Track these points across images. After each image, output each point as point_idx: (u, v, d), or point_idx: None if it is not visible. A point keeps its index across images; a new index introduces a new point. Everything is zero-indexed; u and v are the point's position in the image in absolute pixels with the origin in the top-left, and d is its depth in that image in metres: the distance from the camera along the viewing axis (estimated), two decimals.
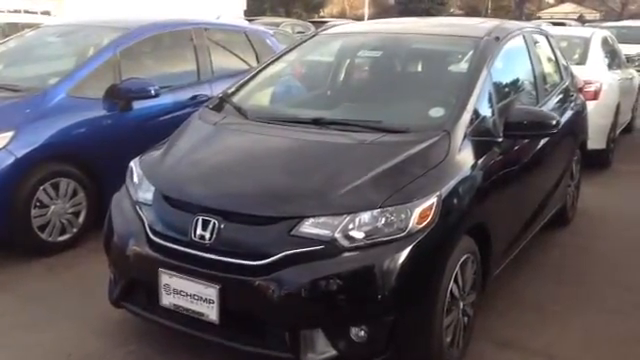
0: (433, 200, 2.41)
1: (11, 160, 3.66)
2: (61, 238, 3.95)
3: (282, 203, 2.43)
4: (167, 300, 2.51)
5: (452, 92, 3.03)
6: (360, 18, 32.09)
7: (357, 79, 3.96)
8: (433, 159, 2.60)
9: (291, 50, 3.90)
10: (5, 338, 2.94)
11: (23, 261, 3.77)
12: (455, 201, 2.55)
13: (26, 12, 25.72)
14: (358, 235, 2.31)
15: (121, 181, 3.03)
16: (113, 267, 2.85)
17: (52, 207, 3.86)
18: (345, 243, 2.30)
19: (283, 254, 2.29)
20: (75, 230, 4.02)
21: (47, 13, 29.00)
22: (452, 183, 2.55)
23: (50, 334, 2.98)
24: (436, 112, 2.92)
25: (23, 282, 3.54)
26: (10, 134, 3.68)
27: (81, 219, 4.05)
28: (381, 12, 38.93)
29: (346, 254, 2.29)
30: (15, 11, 26.05)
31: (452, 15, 37.51)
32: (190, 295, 2.43)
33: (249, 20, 19.01)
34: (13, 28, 5.98)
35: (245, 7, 25.57)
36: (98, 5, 27.25)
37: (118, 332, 2.98)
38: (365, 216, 2.33)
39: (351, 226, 2.31)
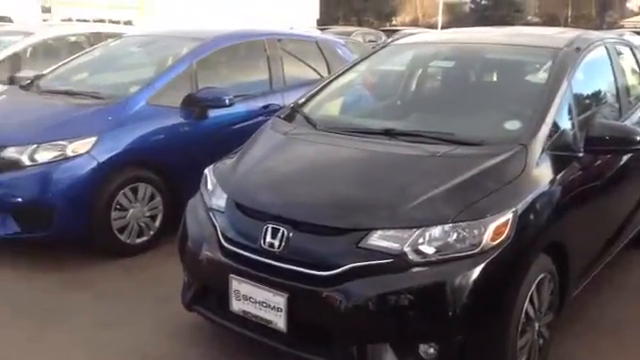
0: (508, 216, 2.33)
1: (94, 164, 3.84)
2: (138, 240, 4.11)
3: (351, 214, 2.42)
4: (237, 306, 2.55)
5: (529, 104, 2.93)
6: (433, 26, 31.75)
7: (429, 90, 3.91)
8: (509, 173, 2.52)
9: (362, 60, 3.90)
10: (83, 336, 3.08)
11: (102, 261, 3.94)
12: (532, 218, 2.46)
13: (110, 22, 27.11)
14: (428, 250, 2.27)
15: (195, 187, 3.12)
16: (187, 271, 2.93)
17: (131, 210, 4.02)
18: (414, 257, 2.26)
19: (351, 266, 2.28)
20: (152, 233, 4.17)
21: (129, 23, 30.43)
22: (529, 199, 2.46)
23: (125, 333, 3.10)
24: (512, 125, 2.84)
25: (101, 282, 3.70)
26: (93, 140, 3.86)
27: (157, 223, 4.19)
28: (455, 20, 38.35)
29: (415, 269, 2.25)
30: (100, 21, 27.52)
31: (529, 23, 36.43)
32: (259, 302, 2.47)
33: (321, 29, 19.25)
34: (97, 38, 6.26)
35: (318, 16, 25.95)
36: (176, 15, 28.37)
37: (190, 334, 3.06)
38: (436, 231, 2.29)
39: (421, 240, 2.28)
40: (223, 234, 2.66)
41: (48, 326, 3.16)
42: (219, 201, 2.81)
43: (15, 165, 3.78)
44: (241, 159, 3.01)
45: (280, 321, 2.41)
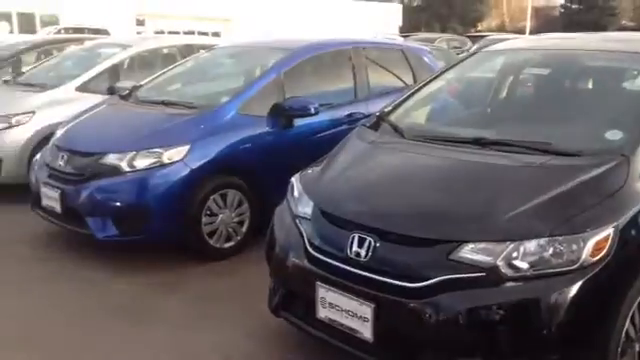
0: (609, 231, 2.22)
1: (187, 171, 4.00)
2: (226, 245, 4.23)
3: (440, 225, 2.38)
4: (323, 313, 2.57)
5: (631, 113, 2.78)
6: (521, 31, 30.74)
7: (521, 97, 3.79)
8: (609, 186, 2.39)
9: (451, 68, 3.83)
10: (174, 337, 3.20)
11: (192, 265, 4.08)
12: (634, 233, 2.32)
13: (199, 33, 28.16)
14: (522, 265, 2.19)
15: (281, 194, 3.17)
16: (273, 277, 2.98)
17: (220, 216, 4.15)
18: (508, 272, 2.19)
19: (440, 278, 2.24)
20: (239, 238, 4.29)
21: (217, 34, 31.52)
22: (630, 213, 2.32)
23: (214, 335, 3.19)
24: (613, 135, 2.69)
25: (191, 284, 3.83)
26: (187, 148, 4.03)
27: (244, 228, 4.31)
28: (544, 25, 36.90)
29: (509, 284, 2.18)
30: (189, 32, 28.66)
31: (624, 28, 34.46)
32: (345, 311, 2.47)
33: (404, 36, 19.12)
34: (189, 49, 6.53)
35: (400, 23, 25.81)
36: (262, 26, 29.07)
37: (276, 339, 3.12)
38: (531, 245, 2.21)
39: (515, 254, 2.20)
40: (309, 241, 2.69)
41: (141, 327, 3.30)
42: (305, 209, 2.84)
43: (115, 171, 4.00)
44: (327, 167, 3.04)
45: (366, 331, 2.40)
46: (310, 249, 2.66)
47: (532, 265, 2.19)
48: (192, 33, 28.57)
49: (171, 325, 3.31)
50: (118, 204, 3.97)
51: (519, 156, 2.64)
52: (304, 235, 2.73)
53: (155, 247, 4.21)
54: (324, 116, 4.58)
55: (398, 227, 2.43)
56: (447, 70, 3.82)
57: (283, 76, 4.53)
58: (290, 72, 4.61)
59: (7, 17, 27.08)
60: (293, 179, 3.13)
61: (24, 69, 7.06)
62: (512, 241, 2.21)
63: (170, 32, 29.70)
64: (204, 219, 4.07)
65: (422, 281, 2.27)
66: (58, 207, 4.16)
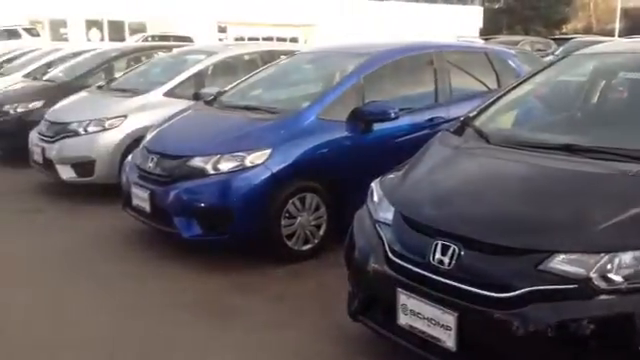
0: None
1: (267, 175, 4.08)
2: (304, 248, 4.28)
3: (529, 235, 2.30)
4: (404, 320, 2.55)
5: None
6: (609, 33, 29.27)
7: (616, 103, 3.60)
8: None
9: (539, 72, 3.70)
10: (253, 336, 3.27)
11: (271, 266, 4.15)
12: None
13: (278, 39, 28.71)
14: (617, 277, 2.08)
15: (359, 199, 3.18)
16: (352, 281, 2.98)
17: (299, 219, 4.20)
18: (601, 285, 2.09)
19: (529, 289, 2.17)
20: (316, 241, 4.33)
21: (295, 40, 32.01)
22: None
23: (292, 336, 3.24)
24: None
25: (270, 285, 3.90)
26: (268, 152, 4.12)
27: (322, 231, 4.34)
28: (634, 26, 34.93)
29: (602, 297, 2.08)
30: (268, 38, 29.25)
31: None
32: (427, 318, 2.44)
33: (485, 39, 18.68)
34: (270, 55, 6.66)
35: (481, 25, 25.21)
36: (340, 30, 29.24)
37: (353, 343, 3.12)
38: (626, 257, 2.09)
39: (609, 267, 2.10)
40: (390, 247, 2.67)
41: (224, 325, 3.40)
42: (386, 214, 2.83)
43: (200, 173, 4.15)
44: (409, 172, 3.01)
45: (449, 340, 2.36)
46: (391, 255, 2.64)
47: (627, 278, 2.08)
48: (271, 39, 29.23)
49: (252, 325, 3.38)
50: (202, 205, 4.11)
51: (613, 164, 2.51)
52: (384, 240, 2.71)
53: (236, 247, 4.32)
54: (404, 121, 4.54)
55: (484, 235, 2.38)
56: (536, 74, 3.69)
57: (363, 81, 4.54)
58: (370, 77, 4.61)
59: (99, 25, 28.69)
60: (373, 184, 3.13)
61: (116, 75, 7.44)
62: (606, 253, 2.11)
63: (250, 38, 30.54)
64: (283, 221, 4.14)
65: (509, 291, 2.21)
66: (147, 207, 4.36)
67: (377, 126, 4.43)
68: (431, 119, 4.70)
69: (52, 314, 3.54)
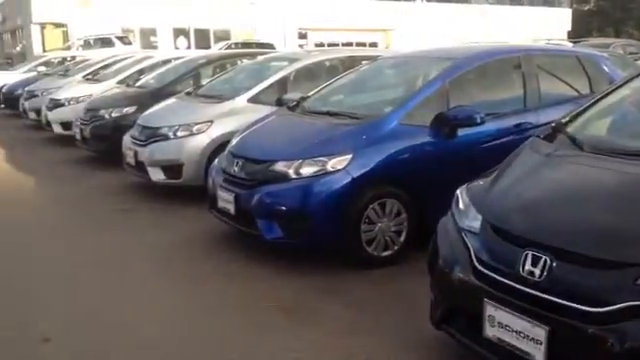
0: None
1: (348, 180, 4.10)
2: (384, 254, 4.25)
3: (626, 247, 2.18)
4: (491, 332, 2.48)
5: None
6: None
7: None
8: None
9: (637, 77, 3.50)
10: (333, 340, 3.27)
11: (349, 271, 4.16)
12: None
13: (357, 44, 28.76)
14: None
15: (441, 206, 3.13)
16: (435, 289, 2.94)
17: (379, 224, 4.19)
18: None
19: (627, 304, 2.05)
20: (396, 248, 4.29)
21: (374, 45, 31.98)
22: None
23: (372, 341, 3.22)
24: None
25: (349, 290, 3.91)
26: (349, 157, 4.13)
27: (402, 238, 4.30)
28: None
29: None
30: (348, 44, 29.36)
31: None
32: (516, 331, 2.36)
33: (574, 42, 17.88)
34: (352, 61, 6.69)
35: (569, 28, 24.19)
36: (421, 36, 28.93)
37: (435, 351, 3.07)
38: None
39: None
40: (476, 256, 2.61)
41: (305, 328, 3.43)
42: (472, 222, 2.76)
43: (283, 177, 4.23)
44: (497, 180, 2.93)
45: (539, 354, 2.27)
46: (477, 264, 2.58)
47: None
48: (350, 44, 29.34)
49: (332, 329, 3.39)
50: (284, 208, 4.18)
51: None
52: (470, 249, 2.65)
53: (317, 251, 4.37)
54: (490, 126, 4.43)
55: (578, 247, 2.27)
56: (633, 78, 3.49)
57: (448, 85, 4.47)
58: (455, 81, 4.53)
59: (186, 33, 29.88)
60: (458, 191, 3.06)
61: (203, 82, 7.72)
62: None
63: (329, 44, 30.80)
64: (363, 227, 4.14)
65: (604, 306, 2.10)
66: (232, 209, 4.48)
67: (462, 131, 4.35)
68: (518, 124, 4.56)
69: (141, 309, 3.71)
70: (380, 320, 3.47)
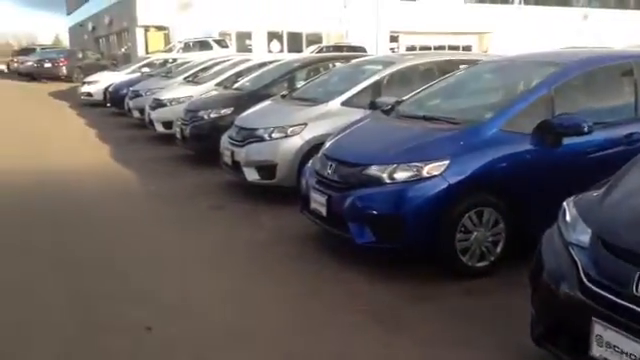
0: None
1: (444, 186, 4.01)
2: (479, 264, 4.14)
3: None
4: (597, 352, 2.35)
5: None
6: None
7: None
8: None
9: None
10: (424, 350, 3.22)
11: (442, 279, 4.08)
12: None
13: (449, 48, 28.26)
14: None
15: (543, 217, 3.01)
16: (537, 304, 2.81)
17: (475, 234, 4.08)
18: None
19: None
20: (492, 259, 4.16)
21: (468, 48, 31.29)
22: None
23: (467, 355, 3.15)
24: None
25: (443, 300, 3.83)
26: (446, 163, 4.05)
27: (499, 249, 4.17)
28: None
29: None
30: (440, 47, 28.93)
31: None
32: (626, 353, 2.23)
33: None
34: (449, 65, 6.56)
35: None
36: (517, 39, 27.97)
37: None
38: None
39: None
40: (585, 272, 2.48)
41: (396, 335, 3.40)
42: (580, 236, 2.63)
43: (376, 182, 4.20)
44: (610, 192, 2.76)
45: None
46: (585, 281, 2.45)
47: None
48: (443, 48, 28.86)
49: (424, 339, 3.35)
50: (376, 213, 4.15)
51: None
52: (578, 264, 2.52)
53: (408, 258, 4.32)
54: (598, 135, 4.19)
55: None
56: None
57: (554, 92, 4.28)
58: (561, 88, 4.33)
59: (279, 37, 30.54)
60: (565, 203, 2.92)
61: (297, 85, 7.85)
62: None
63: (421, 47, 30.45)
64: (458, 235, 4.04)
65: None
66: (324, 211, 4.52)
67: (567, 140, 4.14)
68: (629, 135, 4.29)
69: (233, 304, 3.82)
70: (476, 333, 3.37)
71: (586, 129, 4.02)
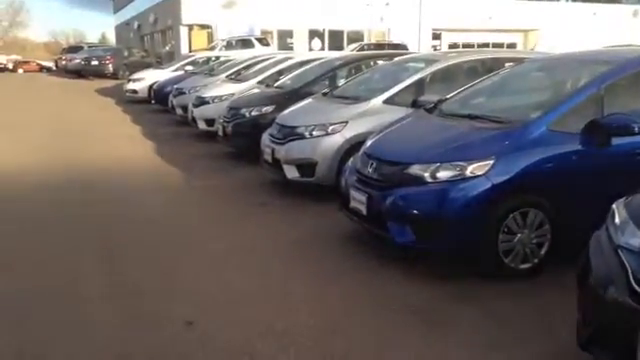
0: None
1: (488, 186, 3.95)
2: (522, 266, 4.06)
3: None
4: None
5: None
6: None
7: None
8: None
9: None
10: (467, 351, 3.18)
11: (485, 281, 4.01)
12: None
13: (494, 45, 27.72)
14: None
15: (590, 219, 2.94)
16: (584, 309, 2.74)
17: (518, 235, 4.00)
18: None
19: None
20: (535, 261, 4.08)
21: (513, 46, 30.74)
22: None
23: (513, 357, 3.09)
24: None
25: (486, 301, 3.76)
26: (490, 163, 3.98)
27: (543, 251, 4.08)
28: None
29: None
30: (484, 45, 28.45)
31: None
32: None
33: None
34: (495, 63, 6.44)
35: None
36: (567, 36, 27.29)
37: None
38: None
39: None
40: (635, 277, 2.39)
41: (438, 335, 3.36)
42: (631, 239, 2.54)
43: (418, 181, 4.16)
44: None
45: None
46: (635, 285, 2.37)
47: None
48: (486, 45, 28.39)
49: (465, 340, 3.30)
50: (417, 212, 4.11)
51: None
52: (628, 269, 2.44)
53: (450, 258, 4.27)
54: None
55: None
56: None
57: (603, 91, 4.15)
58: (611, 87, 4.20)
59: (320, 35, 30.61)
60: (615, 205, 2.84)
61: (339, 83, 7.84)
62: None
63: (464, 45, 30.05)
64: (501, 236, 3.97)
65: None
66: (364, 210, 4.50)
67: (616, 141, 4.01)
68: None
69: (271, 301, 3.85)
70: (520, 336, 3.31)
71: (637, 130, 3.88)
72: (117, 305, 3.79)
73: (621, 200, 2.86)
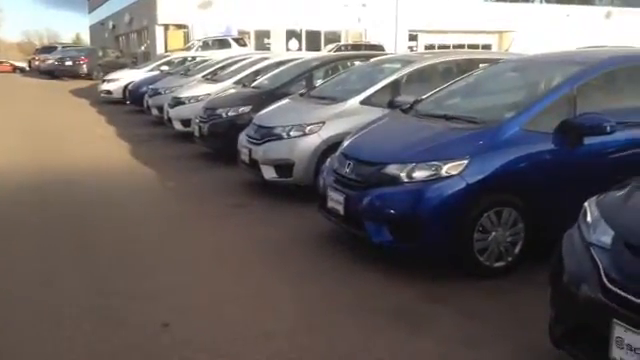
0: None
1: (463, 186, 3.99)
2: (496, 264, 4.10)
3: None
4: (617, 354, 2.32)
5: None
6: None
7: None
8: None
9: None
10: (443, 349, 3.20)
11: (460, 279, 4.05)
12: None
13: (469, 47, 28.04)
14: None
15: (562, 217, 2.98)
16: (557, 305, 2.78)
17: (493, 233, 4.04)
18: None
19: None
20: (510, 259, 4.13)
21: (487, 47, 31.05)
22: None
23: (487, 355, 3.13)
24: None
25: (460, 300, 3.80)
26: (465, 162, 4.02)
27: (517, 249, 4.13)
28: None
29: None
30: (459, 46, 28.70)
31: None
32: None
33: None
34: (469, 64, 6.51)
35: None
36: (540, 37, 27.69)
37: None
38: None
39: None
40: (606, 273, 2.44)
41: (415, 335, 3.38)
42: (602, 237, 2.59)
43: (394, 181, 4.18)
44: (633, 194, 2.72)
45: None
46: (607, 282, 2.41)
47: None
48: (462, 47, 28.69)
49: (443, 338, 3.33)
50: (393, 212, 4.14)
51: None
52: (600, 266, 2.49)
53: (425, 257, 4.30)
54: (621, 135, 4.13)
55: None
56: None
57: (576, 91, 4.22)
58: (584, 87, 4.28)
59: (297, 35, 30.58)
60: (587, 203, 2.89)
61: (316, 83, 7.84)
62: None
63: (440, 46, 30.28)
64: (476, 235, 4.02)
65: None
66: (341, 210, 4.51)
67: (588, 140, 4.09)
68: None
69: (248, 302, 3.83)
70: (494, 333, 3.35)
71: (608, 129, 3.97)
72: (91, 306, 3.74)
73: (593, 198, 2.91)
